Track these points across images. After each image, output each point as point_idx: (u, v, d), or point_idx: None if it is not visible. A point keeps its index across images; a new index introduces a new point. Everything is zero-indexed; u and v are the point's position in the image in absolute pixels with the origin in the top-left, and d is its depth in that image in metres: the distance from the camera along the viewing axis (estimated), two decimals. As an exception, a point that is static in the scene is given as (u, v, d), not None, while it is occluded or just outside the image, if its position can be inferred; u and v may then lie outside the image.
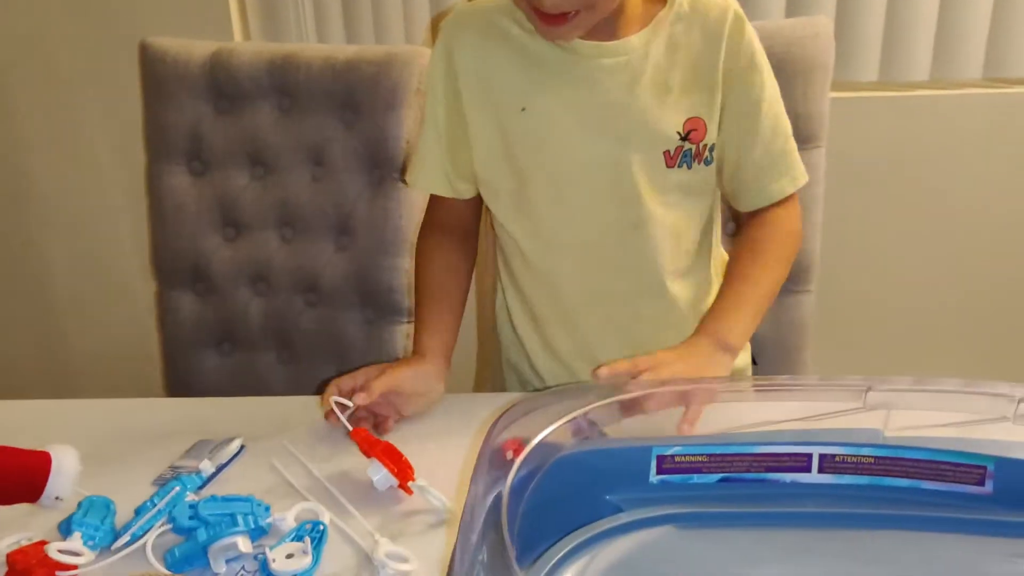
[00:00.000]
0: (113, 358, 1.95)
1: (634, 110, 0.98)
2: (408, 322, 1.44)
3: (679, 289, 1.07)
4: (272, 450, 0.94)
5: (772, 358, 1.47)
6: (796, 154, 1.06)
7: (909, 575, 0.68)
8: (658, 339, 1.00)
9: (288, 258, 1.48)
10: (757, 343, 1.45)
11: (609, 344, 1.07)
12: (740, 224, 1.13)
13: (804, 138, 1.39)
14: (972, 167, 1.74)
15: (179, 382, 1.57)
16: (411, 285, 1.41)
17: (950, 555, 0.70)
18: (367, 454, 0.86)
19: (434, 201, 1.13)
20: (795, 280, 1.44)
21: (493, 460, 0.70)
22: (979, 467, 0.72)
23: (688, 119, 0.99)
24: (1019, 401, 0.68)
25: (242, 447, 0.93)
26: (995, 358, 1.85)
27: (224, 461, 0.90)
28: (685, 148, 0.99)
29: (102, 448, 0.95)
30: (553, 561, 0.68)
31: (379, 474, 0.85)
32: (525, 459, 0.72)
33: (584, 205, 1.01)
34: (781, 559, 0.70)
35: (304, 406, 1.04)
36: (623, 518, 0.73)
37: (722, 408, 0.78)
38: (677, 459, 0.74)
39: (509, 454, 0.72)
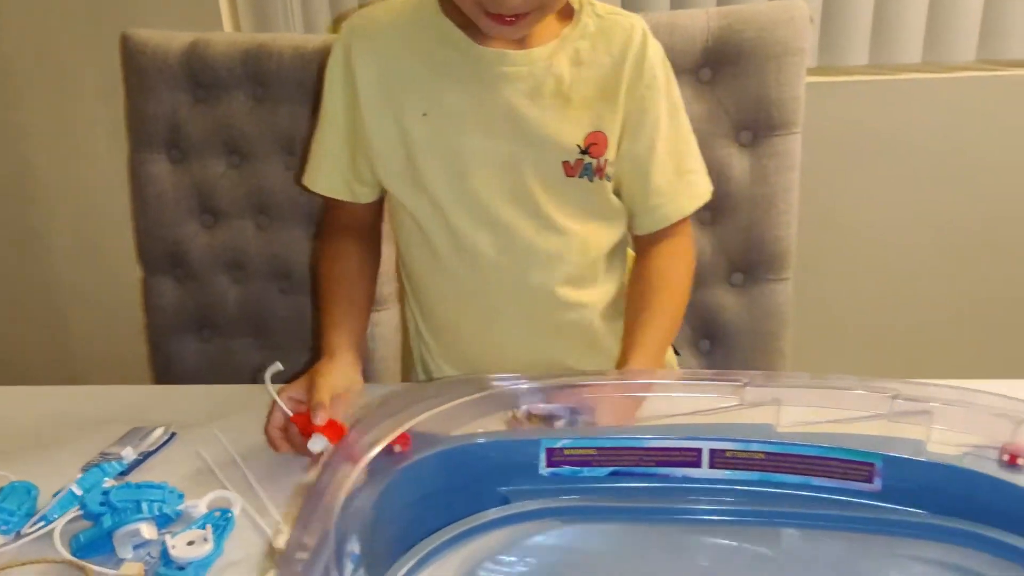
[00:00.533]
0: (113, 343, 2.00)
1: (533, 118, 0.98)
2: (377, 311, 1.45)
3: (587, 298, 1.07)
4: (204, 438, 0.96)
5: (748, 347, 1.46)
6: (699, 176, 1.08)
7: (795, 572, 0.67)
8: (569, 347, 1.02)
9: (264, 246, 1.50)
10: (720, 330, 1.44)
11: (519, 351, 1.07)
12: (638, 249, 1.13)
13: (777, 124, 1.37)
14: (965, 152, 1.70)
15: (162, 367, 1.60)
16: (382, 274, 1.42)
17: (837, 553, 0.69)
18: (306, 432, 0.87)
19: (333, 203, 1.12)
20: (771, 268, 1.42)
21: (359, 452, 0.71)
22: (867, 464, 0.71)
23: (589, 133, 0.99)
24: (894, 398, 0.67)
25: (172, 435, 0.95)
26: (979, 346, 1.81)
27: (151, 449, 0.92)
28: (586, 162, 0.99)
29: (40, 434, 0.98)
30: (428, 550, 0.69)
31: (320, 443, 0.85)
32: (413, 450, 0.72)
33: (486, 206, 1.01)
34: (666, 554, 0.70)
35: (247, 393, 1.06)
36: (509, 509, 0.73)
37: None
38: (566, 452, 0.74)
39: (397, 447, 0.73)
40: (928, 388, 0.68)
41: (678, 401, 0.74)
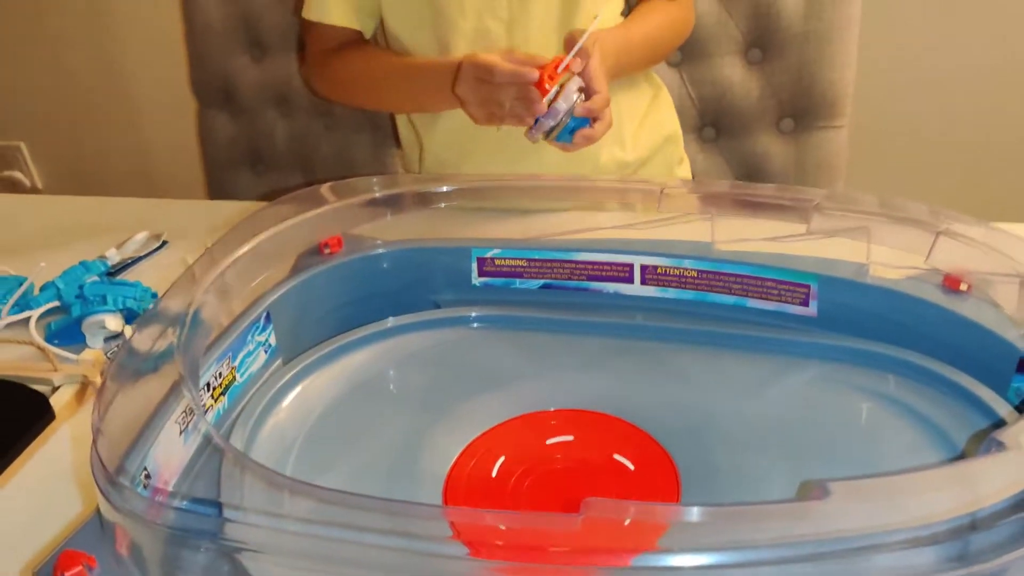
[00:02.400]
0: (187, 167, 2.07)
1: None
2: (407, 146, 1.44)
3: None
4: (195, 248, 0.99)
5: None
6: None
7: (725, 392, 0.65)
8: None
9: (306, 81, 1.51)
10: (766, 179, 1.36)
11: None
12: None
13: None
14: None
15: (218, 198, 1.65)
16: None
17: (769, 376, 0.66)
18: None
19: (324, 31, 1.08)
20: (824, 114, 1.33)
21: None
22: (803, 285, 0.66)
23: None
24: (815, 207, 0.62)
25: (164, 243, 0.98)
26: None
27: (140, 254, 0.96)
28: None
29: (51, 238, 1.03)
30: (345, 342, 0.70)
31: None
32: (342, 252, 0.73)
33: (503, 9, 0.98)
34: (589, 366, 0.68)
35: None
36: (437, 313, 0.73)
37: (546, 213, 0.75)
38: (497, 262, 0.73)
39: (326, 249, 0.73)
40: (861, 201, 0.62)
41: (604, 214, 0.71)
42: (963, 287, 0.62)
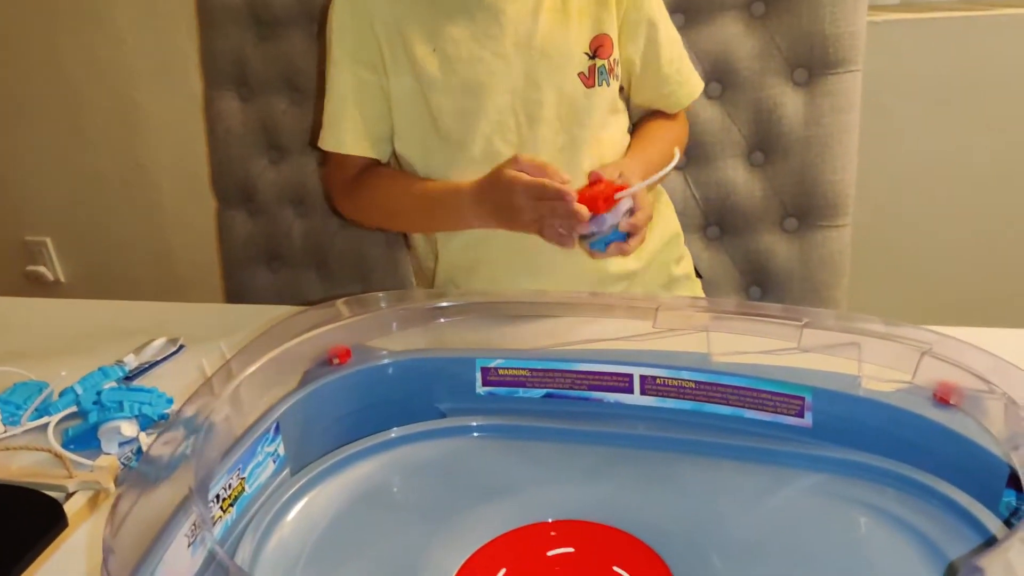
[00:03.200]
0: (213, 269, 2.12)
1: (539, 37, 0.99)
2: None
3: None
4: (211, 352, 1.01)
5: (800, 296, 1.40)
6: (692, 68, 1.12)
7: (723, 501, 0.66)
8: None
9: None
10: (771, 277, 1.39)
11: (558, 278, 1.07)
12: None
13: (834, 62, 1.30)
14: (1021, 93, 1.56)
15: (235, 296, 1.69)
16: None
17: (765, 485, 0.67)
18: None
19: (342, 159, 1.12)
20: (827, 214, 1.36)
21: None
22: (798, 397, 0.68)
23: (593, 37, 1.00)
24: (803, 327, 0.64)
25: (180, 347, 1.01)
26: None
27: (157, 359, 0.98)
28: (598, 65, 0.98)
29: (71, 342, 1.06)
30: (352, 452, 0.71)
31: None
32: (350, 363, 0.75)
33: (511, 132, 1.02)
34: (589, 475, 0.70)
35: (275, 315, 1.11)
36: (443, 423, 0.75)
37: (549, 324, 0.77)
38: (500, 372, 0.75)
39: (335, 360, 0.75)
40: (855, 321, 0.65)
41: (605, 325, 0.73)
42: (953, 401, 0.63)
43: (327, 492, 0.69)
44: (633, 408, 0.73)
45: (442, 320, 0.74)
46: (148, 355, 0.98)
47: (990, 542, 0.57)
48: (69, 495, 0.77)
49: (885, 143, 1.65)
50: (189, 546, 0.57)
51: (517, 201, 0.92)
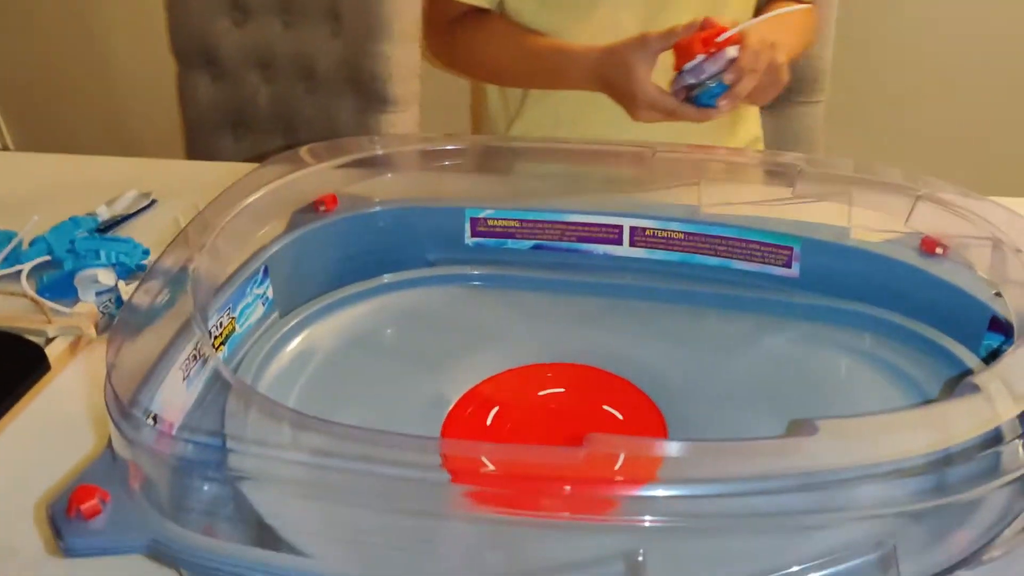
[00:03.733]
0: (162, 129, 2.06)
1: None
2: (392, 111, 1.45)
3: None
4: (185, 208, 0.99)
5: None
6: None
7: (707, 349, 0.67)
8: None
9: (289, 44, 1.51)
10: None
11: None
12: None
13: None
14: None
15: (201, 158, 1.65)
16: (393, 74, 1.42)
17: (751, 334, 0.68)
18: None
19: (447, 3, 1.05)
20: (803, 89, 1.36)
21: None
22: (786, 248, 0.69)
23: None
24: (798, 172, 0.64)
25: (153, 201, 0.99)
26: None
27: (129, 212, 0.96)
28: None
29: (40, 195, 1.03)
30: (338, 298, 0.71)
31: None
32: (337, 210, 0.74)
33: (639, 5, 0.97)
34: (578, 323, 0.71)
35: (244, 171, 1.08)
36: (431, 271, 0.75)
37: (535, 179, 0.77)
38: (490, 222, 0.75)
39: (321, 207, 0.74)
40: (843, 166, 0.65)
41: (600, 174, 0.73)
42: (939, 250, 0.65)
43: (319, 334, 0.69)
44: (622, 260, 0.74)
45: (434, 167, 0.72)
46: (120, 207, 0.96)
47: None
48: (49, 340, 0.77)
49: (864, 19, 1.64)
50: (185, 379, 0.57)
51: (635, 96, 0.85)
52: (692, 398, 0.62)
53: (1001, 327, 0.60)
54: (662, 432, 0.60)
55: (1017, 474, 0.43)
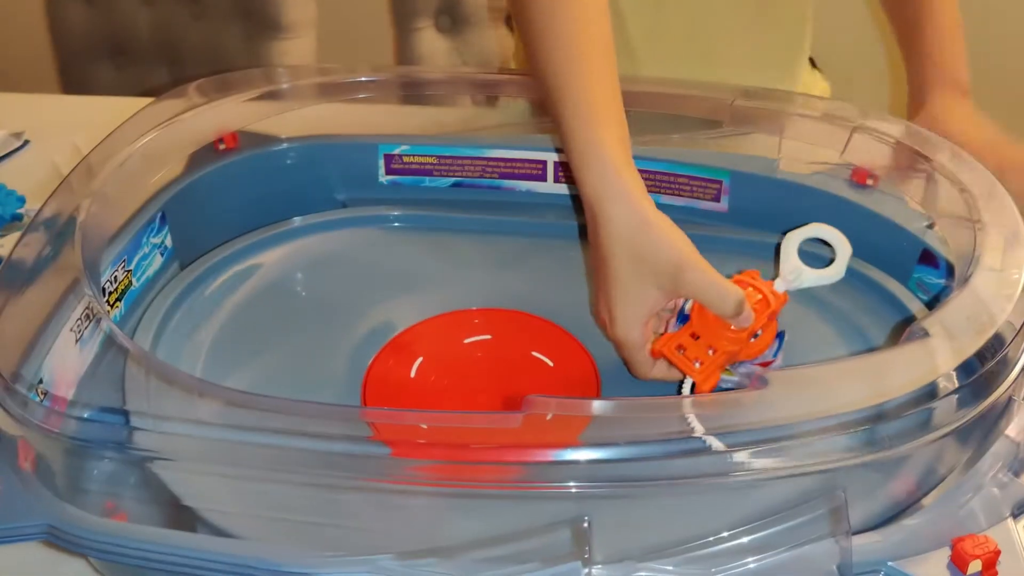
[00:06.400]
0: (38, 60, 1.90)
1: None
2: (286, 38, 1.36)
3: None
4: (61, 148, 0.91)
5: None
6: None
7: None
8: None
9: (170, -36, 1.40)
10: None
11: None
12: None
13: None
14: None
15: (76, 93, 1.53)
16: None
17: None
18: None
19: None
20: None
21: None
22: (715, 181, 0.67)
23: None
24: (733, 102, 0.62)
25: (25, 141, 0.91)
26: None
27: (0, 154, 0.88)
28: None
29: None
30: (245, 244, 0.66)
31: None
32: (239, 149, 0.68)
33: None
34: (502, 265, 0.67)
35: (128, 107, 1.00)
36: (341, 213, 0.70)
37: (453, 111, 0.72)
38: (405, 159, 0.70)
39: (221, 145, 0.68)
40: (779, 98, 0.63)
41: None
42: (870, 182, 0.64)
43: (224, 285, 0.63)
44: (546, 196, 0.70)
45: (343, 100, 0.67)
46: (-9, 148, 0.87)
47: (908, 320, 0.59)
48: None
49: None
50: (77, 341, 0.51)
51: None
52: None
53: (932, 260, 0.59)
54: (594, 378, 0.58)
55: (973, 414, 0.43)
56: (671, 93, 0.65)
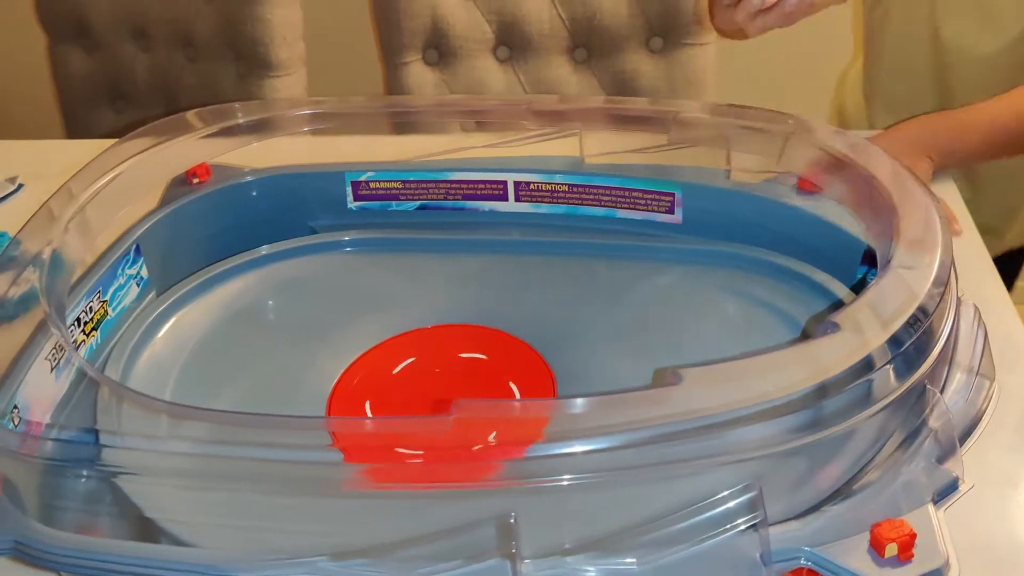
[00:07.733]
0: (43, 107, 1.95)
1: None
2: (276, 76, 1.40)
3: None
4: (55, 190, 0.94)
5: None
6: None
7: (600, 297, 0.67)
8: None
9: (164, 9, 1.44)
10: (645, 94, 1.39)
11: None
12: None
13: None
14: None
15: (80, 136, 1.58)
16: (275, 37, 1.37)
17: (636, 281, 0.68)
18: None
19: None
20: (692, 33, 1.36)
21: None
22: (668, 194, 0.69)
23: None
24: (676, 115, 0.64)
25: (19, 186, 0.94)
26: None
27: (-7, 197, 0.91)
28: None
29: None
30: (219, 271, 0.69)
31: None
32: (211, 181, 0.71)
33: None
34: (466, 283, 0.70)
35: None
36: (313, 239, 0.73)
37: (416, 139, 0.75)
38: (372, 185, 0.73)
39: (194, 178, 0.71)
40: (720, 111, 0.65)
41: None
42: (815, 188, 0.65)
43: (197, 311, 0.66)
44: (508, 215, 0.73)
45: (306, 130, 0.70)
46: (-17, 192, 0.91)
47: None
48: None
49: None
50: (52, 370, 0.54)
51: None
52: (577, 347, 0.62)
53: (874, 260, 0.61)
54: (549, 385, 0.60)
55: (888, 401, 0.44)
56: (618, 110, 0.67)
